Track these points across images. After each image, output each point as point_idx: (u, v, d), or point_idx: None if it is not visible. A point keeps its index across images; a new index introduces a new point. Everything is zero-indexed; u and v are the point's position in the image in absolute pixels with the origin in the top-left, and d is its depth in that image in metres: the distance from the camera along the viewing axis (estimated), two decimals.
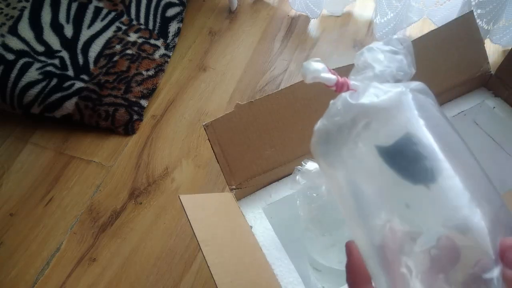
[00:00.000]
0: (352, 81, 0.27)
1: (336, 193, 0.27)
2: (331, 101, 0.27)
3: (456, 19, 0.57)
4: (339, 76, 0.26)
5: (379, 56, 0.26)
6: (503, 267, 0.20)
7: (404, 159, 0.23)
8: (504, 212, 0.23)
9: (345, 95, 0.26)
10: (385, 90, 0.25)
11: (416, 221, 0.23)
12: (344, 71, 0.53)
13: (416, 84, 0.26)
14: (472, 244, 0.21)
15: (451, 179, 0.22)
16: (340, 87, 0.27)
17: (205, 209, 0.44)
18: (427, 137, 0.23)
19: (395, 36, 0.27)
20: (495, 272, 0.20)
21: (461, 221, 0.21)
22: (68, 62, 0.94)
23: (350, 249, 0.26)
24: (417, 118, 0.24)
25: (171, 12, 1.10)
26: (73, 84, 0.92)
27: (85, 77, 0.94)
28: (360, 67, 0.27)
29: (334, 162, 0.26)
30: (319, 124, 0.27)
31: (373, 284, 0.25)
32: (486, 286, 0.20)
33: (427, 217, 0.23)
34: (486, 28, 0.92)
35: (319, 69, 0.26)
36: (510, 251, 0.20)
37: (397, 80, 0.26)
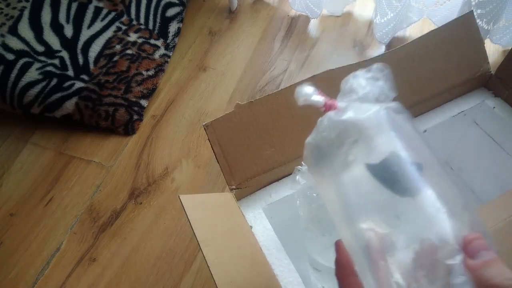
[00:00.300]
0: (339, 103, 0.31)
1: (326, 199, 0.31)
2: (319, 119, 0.31)
3: (456, 19, 0.57)
4: (327, 99, 0.31)
5: (362, 82, 0.30)
6: (465, 257, 0.24)
7: (389, 176, 0.27)
8: (468, 210, 0.27)
9: (330, 113, 0.30)
10: (364, 109, 0.29)
11: (398, 225, 0.27)
12: (345, 71, 0.54)
13: (392, 104, 0.30)
14: (442, 242, 0.25)
15: (425, 191, 0.26)
16: (328, 108, 0.31)
17: (205, 209, 0.44)
18: (405, 154, 0.28)
19: (375, 65, 0.31)
20: (458, 259, 0.24)
21: (434, 225, 0.25)
22: (68, 62, 0.94)
23: (338, 247, 0.30)
24: (392, 133, 0.28)
25: (171, 12, 1.10)
26: (73, 84, 0.92)
27: (85, 77, 0.94)
28: (346, 91, 0.31)
29: (323, 172, 0.31)
30: (309, 139, 0.31)
31: (358, 276, 0.28)
32: (451, 271, 0.24)
33: (407, 222, 0.27)
34: (486, 28, 0.92)
35: (310, 92, 0.31)
36: (470, 244, 0.24)
37: (379, 102, 0.30)
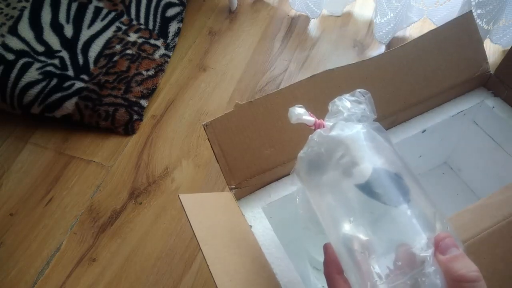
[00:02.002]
0: (326, 122, 0.36)
1: (316, 206, 0.35)
2: (310, 136, 0.35)
3: (455, 18, 0.57)
4: (316, 118, 0.36)
5: (347, 104, 0.35)
6: (436, 252, 0.28)
7: (375, 189, 0.31)
8: (438, 214, 0.31)
9: (319, 130, 0.35)
10: (349, 127, 0.34)
11: (378, 230, 0.30)
12: (344, 71, 0.54)
13: (373, 124, 0.35)
14: (417, 239, 0.29)
15: (404, 201, 0.30)
16: (318, 126, 0.36)
17: (204, 209, 0.44)
18: (386, 168, 0.32)
19: (358, 90, 0.36)
20: (429, 252, 0.28)
21: (411, 229, 0.29)
22: (68, 62, 0.94)
23: (327, 249, 0.34)
24: (373, 150, 0.33)
25: (171, 12, 1.11)
26: (73, 84, 0.92)
27: (85, 77, 0.94)
28: (333, 112, 0.36)
29: (314, 181, 0.35)
30: (301, 153, 0.36)
31: (344, 274, 0.32)
32: (423, 263, 0.27)
33: (387, 227, 0.30)
34: (486, 28, 0.92)
35: (301, 113, 0.36)
36: (441, 242, 0.28)
37: (361, 122, 0.35)
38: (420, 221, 0.30)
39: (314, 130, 0.36)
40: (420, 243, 0.28)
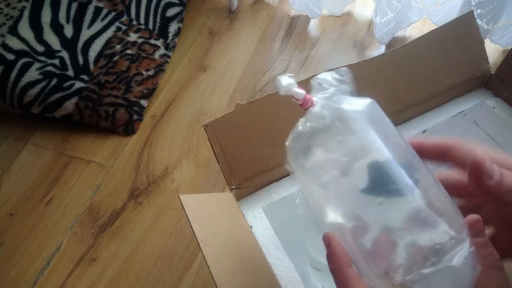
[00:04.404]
0: (315, 98, 0.31)
1: (308, 195, 0.31)
2: (310, 108, 0.31)
3: (456, 18, 0.57)
4: (306, 93, 0.31)
5: (331, 81, 0.31)
6: (472, 237, 0.25)
7: (379, 187, 0.27)
8: (450, 202, 0.28)
9: (322, 102, 0.31)
10: (353, 101, 0.30)
11: (394, 218, 0.27)
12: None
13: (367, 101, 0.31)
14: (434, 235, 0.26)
15: (416, 192, 0.27)
16: (306, 102, 0.31)
17: (205, 209, 0.44)
18: (390, 157, 0.28)
19: (342, 68, 0.32)
20: (464, 234, 0.25)
21: (430, 223, 0.26)
22: (68, 62, 0.94)
23: (329, 238, 0.28)
24: (376, 134, 0.29)
25: (171, 12, 1.10)
26: (73, 84, 0.92)
27: (85, 77, 0.94)
28: (316, 88, 0.32)
29: (304, 170, 0.31)
30: (300, 129, 0.32)
31: (353, 266, 0.27)
32: (455, 246, 0.25)
33: (402, 216, 0.26)
34: (486, 28, 0.92)
35: (291, 83, 0.31)
36: (476, 225, 0.26)
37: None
38: (437, 213, 0.26)
39: (301, 106, 0.32)
40: (453, 225, 0.26)
